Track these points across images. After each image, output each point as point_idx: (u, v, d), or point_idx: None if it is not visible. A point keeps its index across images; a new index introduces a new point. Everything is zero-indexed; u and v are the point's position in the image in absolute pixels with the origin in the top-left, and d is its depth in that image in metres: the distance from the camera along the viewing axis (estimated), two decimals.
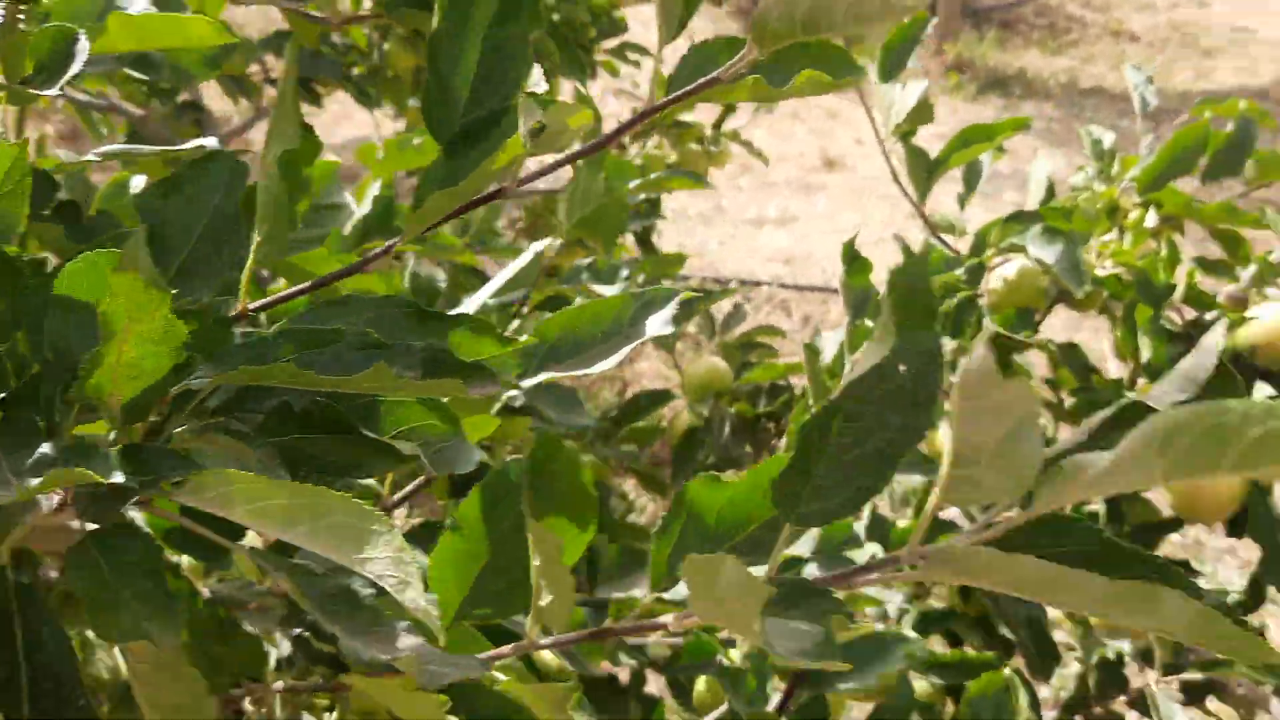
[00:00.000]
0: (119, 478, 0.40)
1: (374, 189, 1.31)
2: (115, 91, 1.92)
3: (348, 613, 0.46)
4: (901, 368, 0.49)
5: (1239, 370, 1.38)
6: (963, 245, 1.56)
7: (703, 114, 2.51)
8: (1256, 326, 1.31)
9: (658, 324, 0.75)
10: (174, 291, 0.41)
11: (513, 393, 0.92)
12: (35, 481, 0.40)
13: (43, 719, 0.43)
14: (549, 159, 0.72)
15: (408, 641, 0.47)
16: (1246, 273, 1.42)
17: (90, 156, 0.71)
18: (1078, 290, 1.39)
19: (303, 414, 0.48)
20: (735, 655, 0.99)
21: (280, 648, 0.83)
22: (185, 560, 0.81)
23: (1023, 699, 1.36)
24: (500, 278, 0.94)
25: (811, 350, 1.35)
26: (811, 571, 0.88)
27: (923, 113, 1.40)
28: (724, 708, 1.08)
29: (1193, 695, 1.28)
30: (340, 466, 0.49)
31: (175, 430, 0.47)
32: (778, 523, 0.55)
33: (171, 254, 0.53)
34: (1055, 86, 6.44)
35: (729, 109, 2.42)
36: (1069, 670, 1.40)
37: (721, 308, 2.22)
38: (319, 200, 0.83)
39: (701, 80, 0.53)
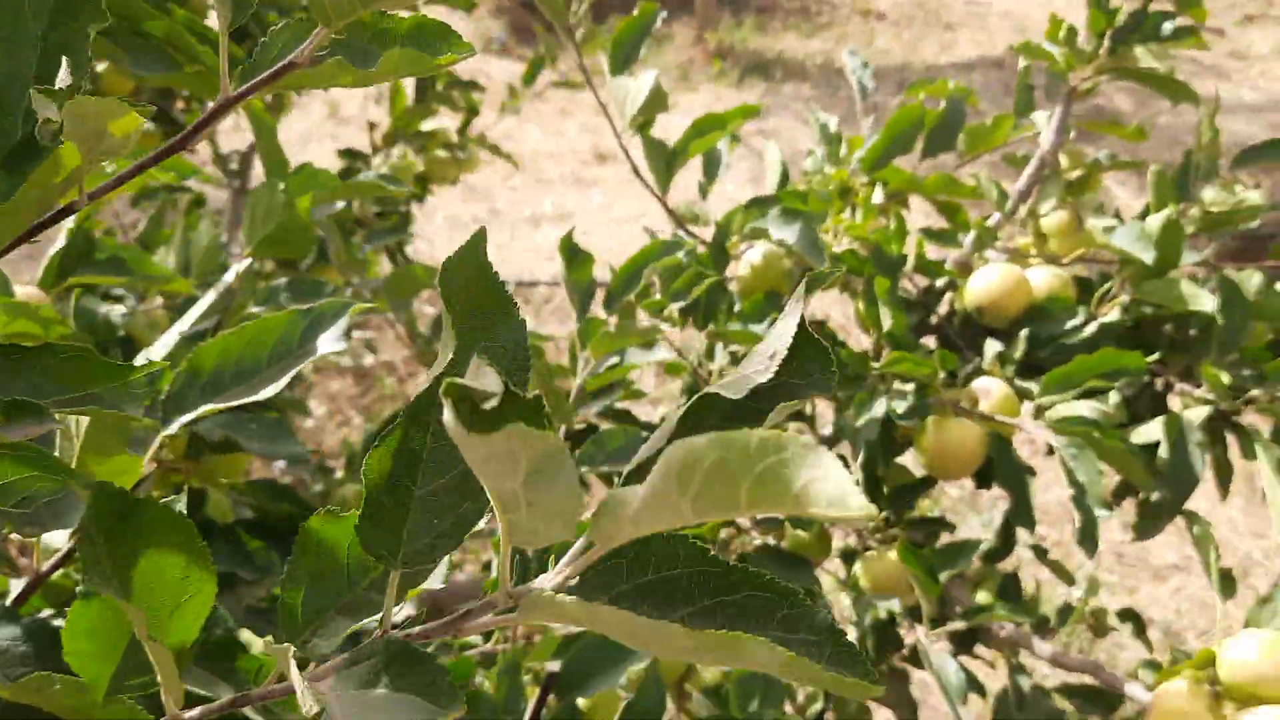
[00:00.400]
0: None
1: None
2: None
3: None
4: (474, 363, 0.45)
5: (969, 332, 1.44)
6: (708, 234, 1.58)
7: (449, 121, 2.46)
8: (979, 288, 1.37)
9: (329, 340, 0.70)
10: None
11: (204, 426, 0.86)
12: None
13: None
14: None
15: None
16: (968, 239, 1.48)
17: None
18: (819, 266, 1.41)
19: None
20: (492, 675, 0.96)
21: None
22: None
23: None
24: (196, 309, 0.87)
25: (538, 351, 1.33)
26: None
27: (656, 102, 1.39)
28: None
29: (961, 644, 1.33)
30: None
31: None
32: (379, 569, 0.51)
33: None
34: (812, 68, 6.66)
35: (472, 113, 2.39)
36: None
37: None
38: None
39: (278, 67, 0.49)
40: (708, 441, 0.34)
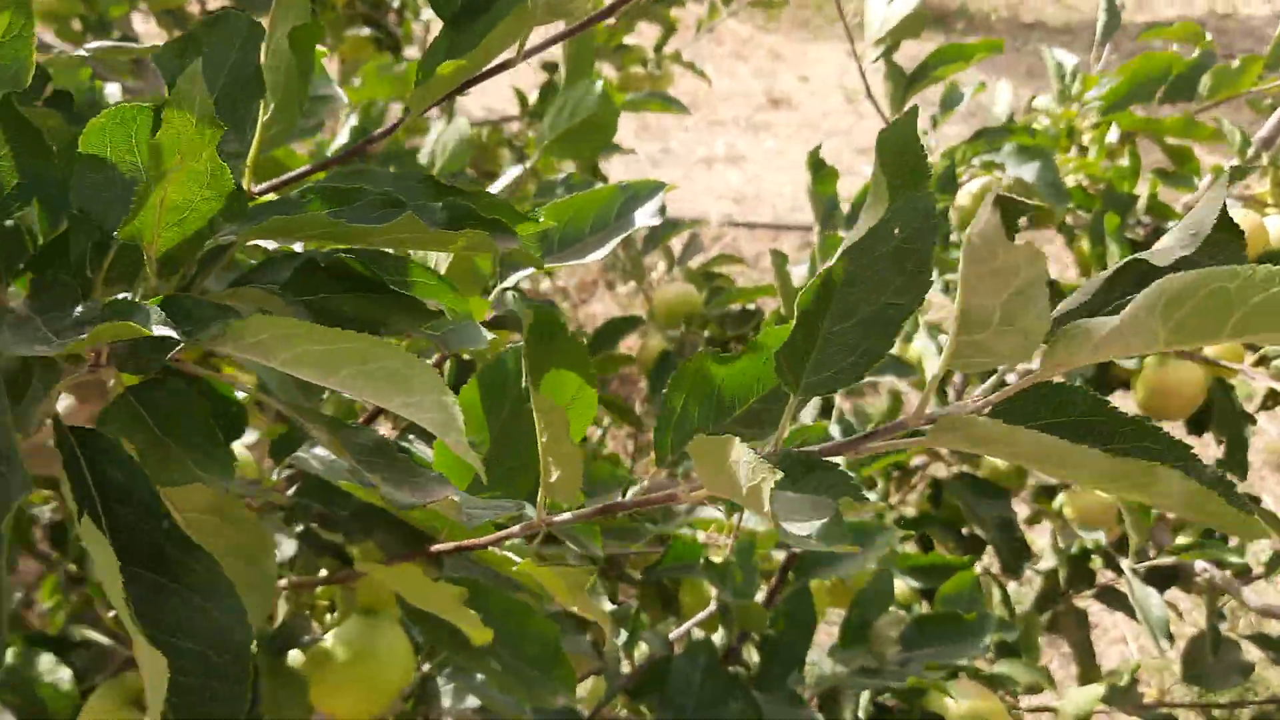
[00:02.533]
0: (162, 330, 0.40)
1: (351, 120, 1.29)
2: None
3: (386, 463, 0.47)
4: (897, 229, 0.49)
5: None
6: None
7: (644, 38, 2.49)
8: None
9: (645, 215, 0.76)
10: (225, 129, 0.40)
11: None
12: (79, 338, 0.40)
13: (128, 544, 0.43)
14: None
15: (444, 489, 0.48)
16: (1203, 183, 1.45)
17: (81, 52, 0.70)
18: (1059, 206, 1.41)
19: (329, 270, 0.48)
20: (717, 559, 1.01)
21: (282, 549, 0.84)
22: None
23: (995, 596, 1.40)
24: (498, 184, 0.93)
25: (779, 257, 1.36)
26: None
27: (912, 25, 1.40)
28: (712, 605, 1.10)
29: (1160, 583, 1.33)
30: (367, 323, 0.49)
31: (203, 289, 0.47)
32: (781, 394, 0.56)
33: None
34: (997, 21, 6.47)
35: (669, 31, 2.41)
36: (1042, 566, 1.44)
37: (678, 240, 2.23)
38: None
39: None
40: (1196, 276, 0.38)
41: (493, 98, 3.64)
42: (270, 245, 0.57)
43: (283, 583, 0.81)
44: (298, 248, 0.55)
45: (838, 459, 0.48)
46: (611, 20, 2.32)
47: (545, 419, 0.52)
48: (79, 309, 0.42)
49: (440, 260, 0.64)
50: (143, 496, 0.45)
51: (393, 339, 0.48)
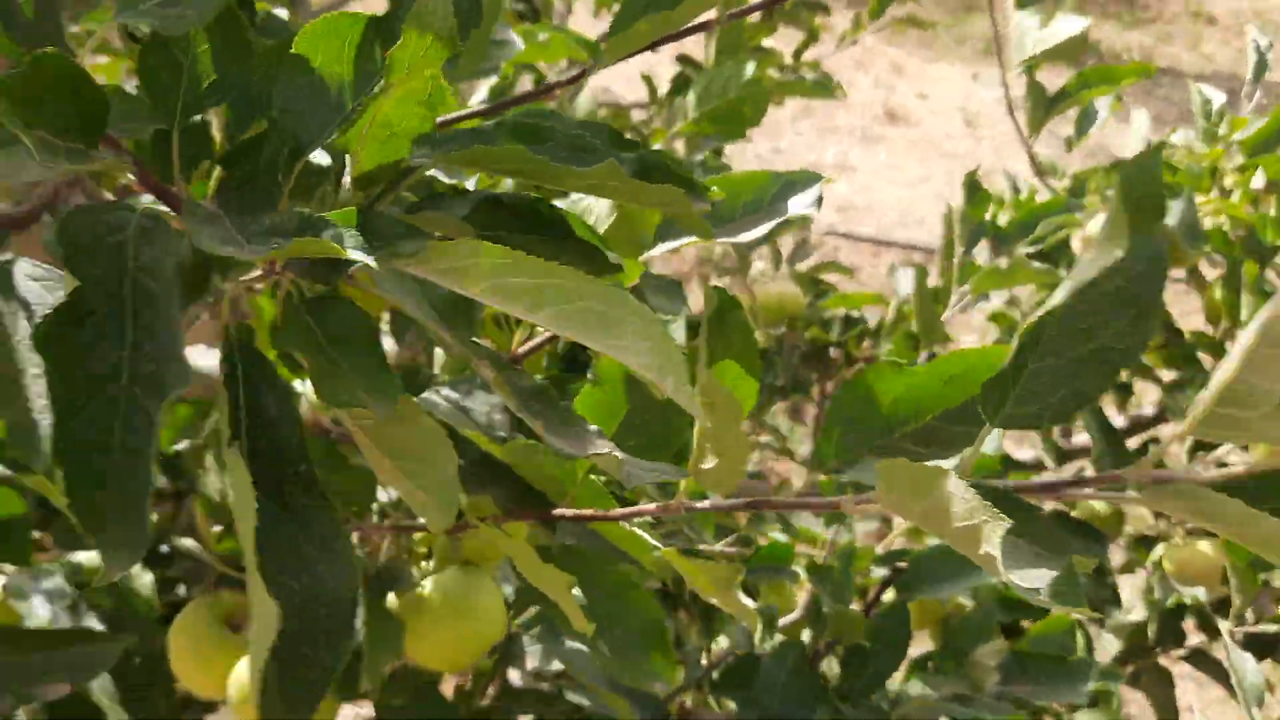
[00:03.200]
0: (356, 251, 0.39)
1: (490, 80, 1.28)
2: None
3: (547, 409, 0.46)
4: (1126, 269, 0.47)
5: None
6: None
7: (781, 41, 2.46)
8: None
9: (800, 204, 0.74)
10: (459, 50, 0.39)
11: None
12: (273, 248, 0.39)
13: (263, 477, 0.42)
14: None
15: (604, 443, 0.46)
16: None
17: None
18: (1193, 250, 1.36)
19: (511, 209, 0.47)
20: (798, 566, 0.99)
21: (390, 490, 0.84)
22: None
23: (1079, 640, 1.36)
24: None
25: (920, 271, 1.33)
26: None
27: (1071, 48, 1.36)
28: (799, 610, 1.08)
29: (1258, 650, 1.28)
30: None
31: (383, 211, 0.46)
32: (963, 415, 0.54)
33: None
34: (1128, 61, 6.32)
35: (812, 37, 2.38)
36: (1130, 618, 1.39)
37: (787, 240, 2.21)
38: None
39: None
40: None
41: (614, 85, 3.64)
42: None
43: (388, 524, 0.80)
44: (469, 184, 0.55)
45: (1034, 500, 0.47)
46: (755, 17, 2.30)
47: (712, 403, 0.50)
48: (268, 217, 0.42)
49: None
50: (288, 432, 0.45)
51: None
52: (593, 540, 0.71)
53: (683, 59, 2.40)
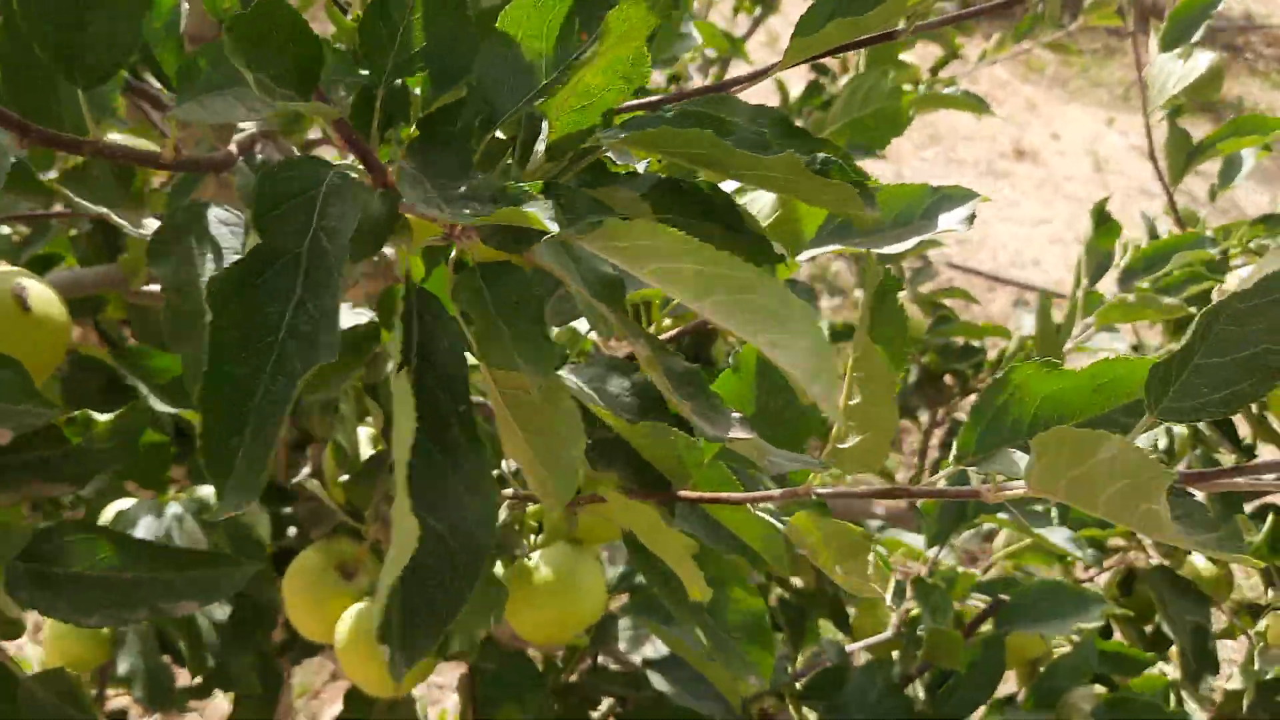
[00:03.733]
0: (554, 226, 0.40)
1: None
2: None
3: (695, 392, 0.47)
4: None
5: None
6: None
7: (919, 57, 2.44)
8: None
9: (952, 219, 0.74)
10: (669, 16, 0.41)
11: None
12: (475, 215, 0.41)
13: (425, 412, 0.44)
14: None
15: (748, 429, 0.47)
16: None
17: None
18: None
19: (688, 194, 0.48)
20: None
21: (509, 462, 0.86)
22: None
23: (1171, 701, 1.33)
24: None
25: (1044, 297, 1.32)
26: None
27: (1209, 85, 1.33)
28: (890, 630, 1.08)
29: None
30: None
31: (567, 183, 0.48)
32: (1107, 424, 0.54)
33: None
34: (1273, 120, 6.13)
35: (951, 54, 2.35)
36: (1222, 684, 1.36)
37: (908, 263, 2.19)
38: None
39: None
40: None
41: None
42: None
43: (508, 492, 0.83)
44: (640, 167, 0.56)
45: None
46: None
47: (864, 376, 0.50)
48: (464, 184, 0.44)
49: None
50: (455, 372, 0.47)
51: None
52: (706, 528, 0.72)
53: (817, 66, 2.40)
